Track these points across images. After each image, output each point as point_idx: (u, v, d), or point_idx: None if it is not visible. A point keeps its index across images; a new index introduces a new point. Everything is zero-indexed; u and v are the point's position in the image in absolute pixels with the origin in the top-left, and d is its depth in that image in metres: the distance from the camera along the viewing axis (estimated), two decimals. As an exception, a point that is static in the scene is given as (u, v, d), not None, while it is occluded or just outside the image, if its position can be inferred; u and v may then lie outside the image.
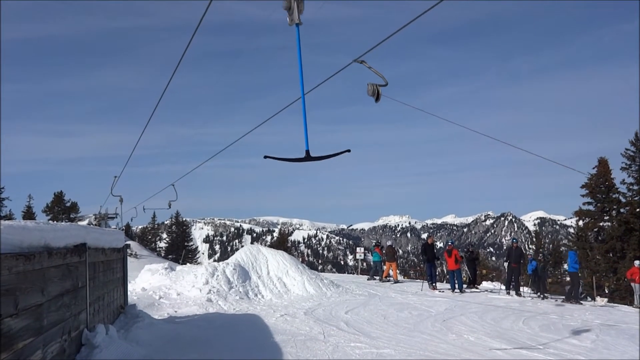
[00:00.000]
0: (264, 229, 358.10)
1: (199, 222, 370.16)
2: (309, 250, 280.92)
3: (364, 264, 33.56)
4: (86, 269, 5.66)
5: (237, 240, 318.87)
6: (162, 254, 53.15)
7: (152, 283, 13.78)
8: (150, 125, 9.68)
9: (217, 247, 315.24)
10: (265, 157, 4.63)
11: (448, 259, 17.36)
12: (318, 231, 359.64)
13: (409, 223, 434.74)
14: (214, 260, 51.40)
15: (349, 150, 4.80)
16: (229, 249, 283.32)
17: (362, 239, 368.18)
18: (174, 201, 17.28)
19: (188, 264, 28.49)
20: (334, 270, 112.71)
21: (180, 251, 50.82)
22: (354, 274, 32.94)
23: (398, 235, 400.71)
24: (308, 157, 4.58)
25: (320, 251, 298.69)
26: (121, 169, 14.85)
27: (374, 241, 26.99)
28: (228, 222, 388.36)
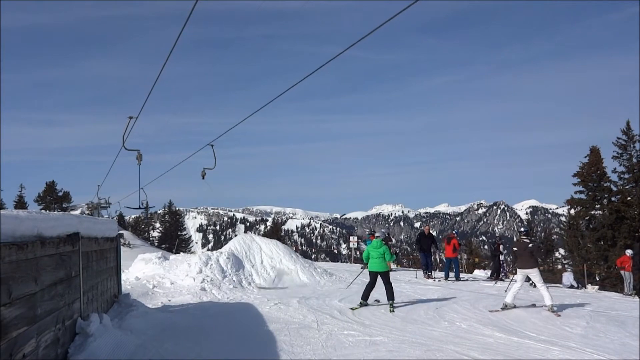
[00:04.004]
0: (258, 218, 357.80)
1: (192, 211, 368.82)
2: (303, 239, 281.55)
3: (358, 253, 33.68)
4: (79, 258, 5.65)
5: (230, 230, 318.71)
6: (156, 244, 53.04)
7: (145, 272, 13.78)
8: (140, 115, 9.62)
9: (210, 237, 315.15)
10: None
11: (447, 247, 17.46)
12: (311, 220, 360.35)
13: (402, 212, 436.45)
14: (208, 250, 51.37)
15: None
16: (223, 238, 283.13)
17: (356, 228, 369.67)
18: (145, 200, 18.72)
19: (182, 253, 28.51)
20: (328, 259, 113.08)
21: (173, 240, 50.80)
22: (347, 262, 33.09)
23: (391, 224, 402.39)
24: None
25: (314, 240, 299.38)
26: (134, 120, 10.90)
27: (368, 230, 27.08)
28: (221, 212, 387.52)
